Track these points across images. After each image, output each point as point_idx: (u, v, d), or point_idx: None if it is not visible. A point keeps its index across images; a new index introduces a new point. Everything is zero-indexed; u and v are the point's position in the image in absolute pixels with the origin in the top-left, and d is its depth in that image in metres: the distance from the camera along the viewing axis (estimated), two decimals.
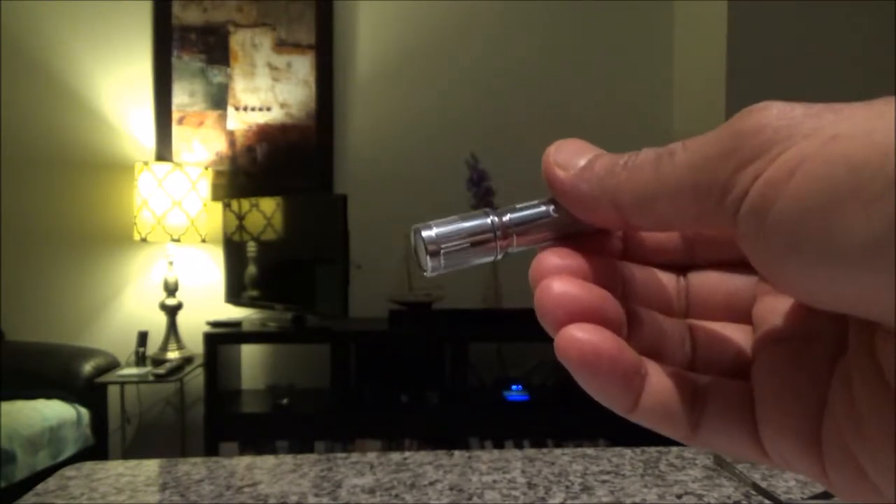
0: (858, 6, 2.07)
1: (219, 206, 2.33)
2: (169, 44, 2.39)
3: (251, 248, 2.23)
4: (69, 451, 1.89)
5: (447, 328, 2.12)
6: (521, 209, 0.19)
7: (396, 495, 0.60)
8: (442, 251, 0.19)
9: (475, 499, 0.59)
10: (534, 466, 0.66)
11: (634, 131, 2.44)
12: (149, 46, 2.39)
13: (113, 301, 2.39)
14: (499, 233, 0.19)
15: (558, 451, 0.71)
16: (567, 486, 0.61)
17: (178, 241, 2.20)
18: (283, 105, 2.42)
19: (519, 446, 2.02)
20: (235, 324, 2.17)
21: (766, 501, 0.58)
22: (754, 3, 2.06)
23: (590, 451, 0.71)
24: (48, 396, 1.95)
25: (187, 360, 2.19)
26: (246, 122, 2.42)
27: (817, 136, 0.13)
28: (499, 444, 2.05)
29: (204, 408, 2.05)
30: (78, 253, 2.38)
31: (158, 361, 2.15)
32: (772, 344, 0.18)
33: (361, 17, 2.44)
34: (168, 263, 2.24)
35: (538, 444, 2.04)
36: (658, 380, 0.18)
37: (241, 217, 2.24)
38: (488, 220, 0.19)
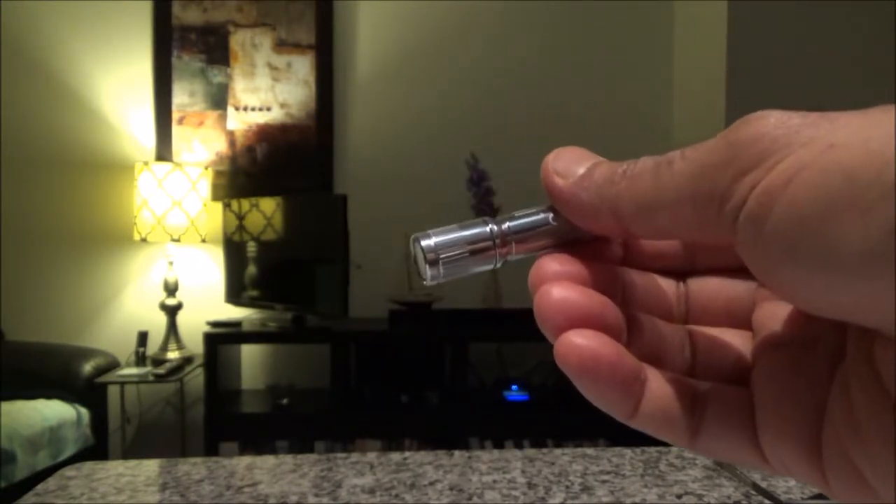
0: (858, 6, 2.07)
1: (219, 206, 2.33)
2: (169, 44, 2.39)
3: (251, 248, 2.23)
4: (69, 451, 1.89)
5: (447, 328, 2.12)
6: (520, 217, 0.19)
7: (396, 495, 0.60)
8: (441, 260, 0.19)
9: (475, 499, 0.59)
10: (534, 466, 0.66)
11: (634, 131, 2.44)
12: (149, 46, 2.39)
13: (113, 301, 2.39)
14: (498, 241, 0.19)
15: (558, 451, 0.71)
16: (567, 486, 0.61)
17: (178, 241, 2.20)
18: (283, 105, 2.42)
19: (519, 446, 2.02)
20: (235, 324, 2.17)
21: (766, 501, 0.58)
22: (754, 3, 2.06)
23: (590, 451, 0.71)
24: (48, 396, 1.95)
25: (187, 360, 2.19)
26: (246, 122, 2.42)
27: (814, 144, 0.13)
28: (499, 444, 2.05)
29: (204, 408, 2.05)
30: (78, 253, 2.38)
31: (158, 361, 2.15)
32: (771, 350, 0.18)
33: (361, 17, 2.44)
34: (168, 263, 2.24)
35: (538, 444, 2.04)
36: (658, 386, 0.18)
37: (241, 217, 2.24)
38: (487, 229, 0.19)
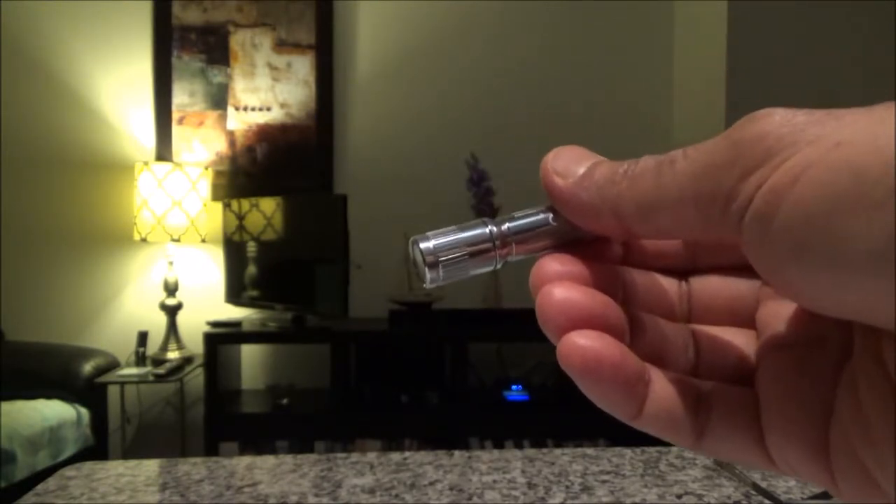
0: (858, 6, 2.07)
1: (219, 206, 2.33)
2: (169, 44, 2.39)
3: (251, 248, 2.23)
4: (69, 451, 1.89)
5: (447, 328, 2.12)
6: (520, 217, 0.19)
7: (396, 495, 0.60)
8: (441, 263, 0.19)
9: (475, 499, 0.59)
10: (534, 466, 0.66)
11: (634, 131, 2.44)
12: (149, 46, 2.39)
13: (113, 301, 2.39)
14: (497, 242, 0.19)
15: (558, 451, 0.71)
16: (567, 486, 0.61)
17: (178, 241, 2.20)
18: (283, 105, 2.42)
19: (519, 446, 2.02)
20: (235, 324, 2.17)
21: (766, 501, 0.58)
22: (754, 3, 2.06)
23: (590, 451, 0.71)
24: (48, 396, 1.95)
25: (187, 360, 2.19)
26: (246, 122, 2.42)
27: (821, 142, 0.13)
28: (499, 444, 2.05)
29: (204, 408, 2.05)
30: (78, 253, 2.38)
31: (158, 361, 2.15)
32: (776, 350, 0.18)
33: (361, 17, 2.44)
34: (168, 263, 2.24)
35: (538, 444, 2.04)
36: (662, 386, 0.18)
37: (241, 217, 2.24)
38: (486, 230, 0.19)
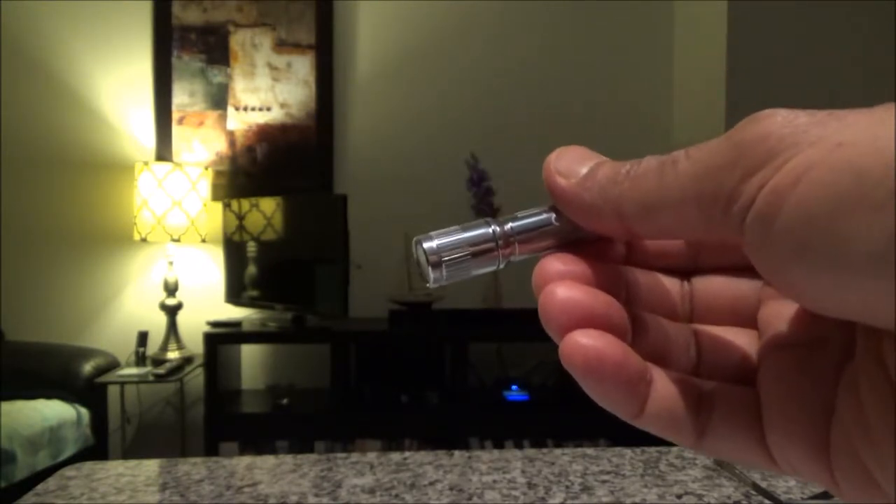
0: (858, 6, 2.07)
1: (219, 206, 2.33)
2: (169, 44, 2.39)
3: (251, 248, 2.23)
4: (69, 451, 1.89)
5: (447, 328, 2.12)
6: (523, 217, 0.19)
7: (396, 495, 0.60)
8: (444, 262, 0.19)
9: (475, 499, 0.59)
10: (534, 466, 0.66)
11: (634, 131, 2.44)
12: (149, 46, 2.39)
13: (113, 301, 2.39)
14: (500, 242, 0.19)
15: (558, 451, 0.71)
16: (567, 486, 0.61)
17: (178, 241, 2.20)
18: (283, 105, 2.42)
19: (519, 446, 2.02)
20: (235, 324, 2.17)
21: (766, 501, 0.58)
22: (754, 3, 2.06)
23: (590, 451, 0.71)
24: (48, 396, 1.95)
25: (187, 360, 2.19)
26: (246, 122, 2.42)
27: (823, 143, 0.13)
28: (499, 444, 2.05)
29: (204, 408, 2.05)
30: (78, 253, 2.38)
31: (158, 361, 2.15)
32: (778, 350, 0.18)
33: (361, 17, 2.44)
34: (168, 263, 2.24)
35: (538, 444, 2.04)
36: (663, 386, 0.18)
37: (241, 217, 2.24)
38: (489, 230, 0.19)
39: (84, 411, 1.98)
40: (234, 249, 2.27)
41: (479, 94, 2.45)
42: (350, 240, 2.03)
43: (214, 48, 2.40)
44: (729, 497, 0.58)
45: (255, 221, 2.21)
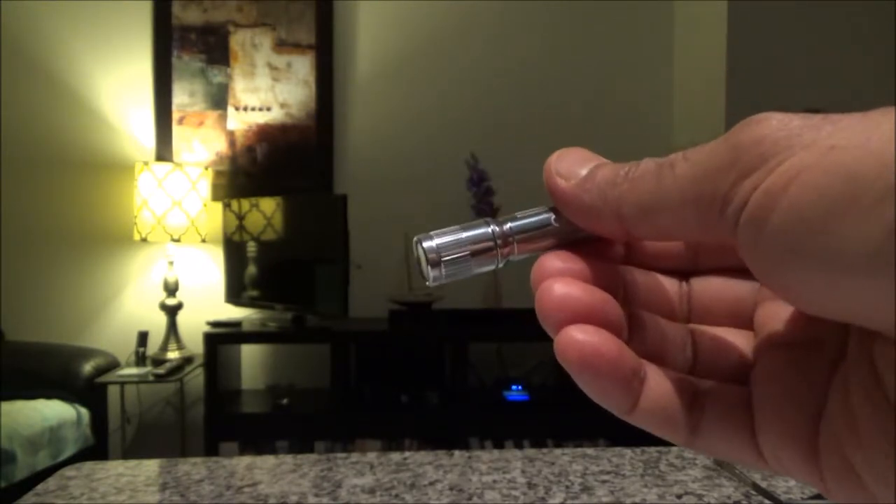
0: (858, 6, 2.07)
1: (219, 206, 2.33)
2: (169, 44, 2.39)
3: (251, 248, 2.23)
4: (69, 451, 1.89)
5: (447, 328, 2.12)
6: (522, 217, 0.19)
7: (396, 495, 0.60)
8: (443, 261, 0.19)
9: (475, 499, 0.59)
10: (534, 466, 0.66)
11: (634, 132, 2.44)
12: (149, 46, 2.39)
13: (113, 301, 2.39)
14: (499, 241, 0.19)
15: (558, 451, 0.71)
16: (567, 486, 0.61)
17: (178, 241, 2.20)
18: (283, 105, 2.42)
19: (519, 446, 2.02)
20: (235, 324, 2.17)
21: (766, 501, 0.58)
22: (754, 3, 2.06)
23: (590, 451, 0.71)
24: (48, 396, 1.95)
25: (187, 360, 2.19)
26: (246, 122, 2.42)
27: (816, 146, 0.13)
28: (499, 444, 2.05)
29: (204, 408, 2.05)
30: (78, 253, 2.38)
31: (158, 361, 2.15)
32: (772, 349, 0.18)
33: (361, 17, 2.44)
34: (168, 263, 2.24)
35: (538, 444, 2.04)
36: (657, 383, 0.18)
37: (241, 217, 2.24)
38: (489, 230, 0.19)
39: (84, 411, 1.98)
40: (234, 249, 2.27)
41: (479, 94, 2.45)
42: (350, 240, 2.03)
43: (214, 48, 2.40)
44: (729, 497, 0.58)
45: (255, 221, 2.21)
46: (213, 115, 2.41)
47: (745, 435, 0.17)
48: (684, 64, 2.42)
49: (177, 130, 2.40)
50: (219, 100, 2.41)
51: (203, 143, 2.41)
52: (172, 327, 2.24)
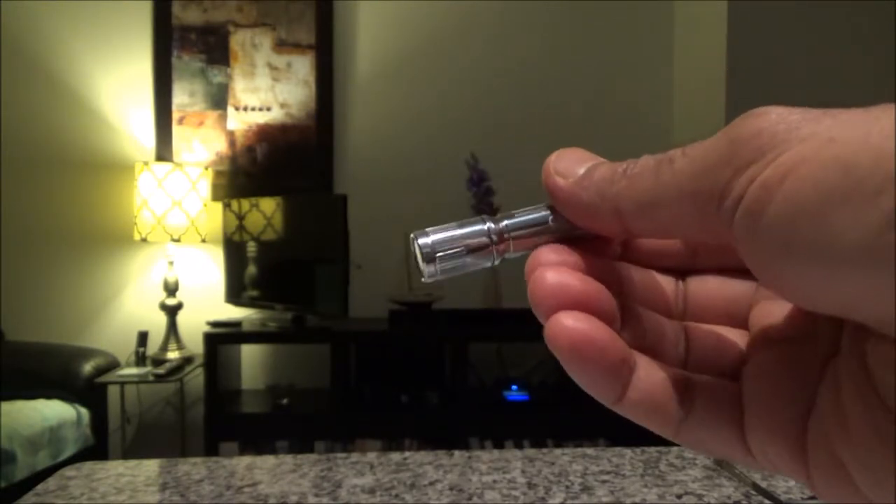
0: (858, 6, 2.07)
1: (219, 206, 2.33)
2: (169, 44, 2.39)
3: (251, 248, 2.23)
4: (69, 451, 1.89)
5: (447, 328, 2.12)
6: (519, 215, 0.20)
7: (396, 495, 0.60)
8: (438, 257, 0.19)
9: (475, 499, 0.59)
10: (534, 466, 0.66)
11: (634, 131, 2.44)
12: (149, 46, 2.39)
13: (113, 301, 2.39)
14: (495, 238, 0.19)
15: (558, 451, 0.71)
16: (567, 486, 0.61)
17: (178, 241, 2.20)
18: (283, 105, 2.42)
19: (519, 446, 2.02)
20: (235, 324, 2.17)
21: (766, 501, 0.58)
22: (754, 3, 2.06)
23: (590, 451, 0.71)
24: (48, 396, 1.95)
25: (187, 360, 2.19)
26: (246, 122, 2.42)
27: (814, 139, 0.13)
28: (499, 444, 2.05)
29: (204, 408, 2.05)
30: (78, 253, 2.38)
31: (158, 361, 2.15)
32: (764, 346, 0.18)
33: (361, 17, 2.44)
34: (168, 263, 2.24)
35: (538, 444, 2.04)
36: (647, 373, 0.18)
37: (241, 217, 2.24)
38: (484, 227, 0.19)
39: (84, 411, 1.98)
40: (234, 249, 2.27)
41: (479, 94, 2.45)
42: (350, 240, 2.03)
43: (214, 48, 2.40)
44: (729, 497, 0.58)
45: (255, 221, 2.21)
46: (213, 115, 2.41)
47: (733, 429, 0.17)
48: (684, 64, 2.42)
49: (177, 130, 2.40)
50: (219, 100, 2.41)
51: (203, 143, 2.41)
52: (172, 327, 2.24)
